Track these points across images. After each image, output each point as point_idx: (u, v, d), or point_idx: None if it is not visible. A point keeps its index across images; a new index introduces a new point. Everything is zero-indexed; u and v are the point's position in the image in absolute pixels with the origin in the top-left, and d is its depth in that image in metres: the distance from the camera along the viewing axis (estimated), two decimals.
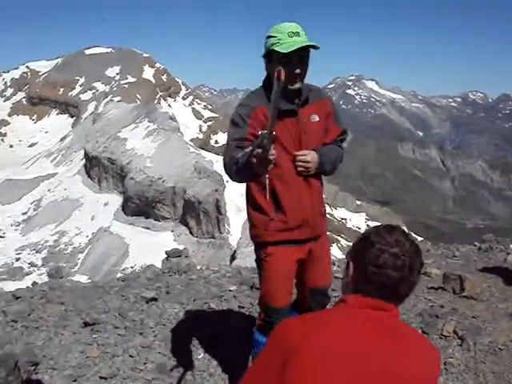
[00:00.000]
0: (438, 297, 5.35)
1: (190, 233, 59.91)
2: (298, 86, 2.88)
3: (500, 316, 4.76)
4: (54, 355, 3.98)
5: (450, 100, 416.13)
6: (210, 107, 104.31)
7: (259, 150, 2.27)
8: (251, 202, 3.06)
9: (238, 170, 2.68)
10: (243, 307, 5.14)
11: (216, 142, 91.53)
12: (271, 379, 1.72)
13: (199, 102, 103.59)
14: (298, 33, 2.77)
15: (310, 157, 2.91)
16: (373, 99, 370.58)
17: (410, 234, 1.82)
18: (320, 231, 3.15)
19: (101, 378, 3.65)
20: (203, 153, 71.10)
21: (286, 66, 2.67)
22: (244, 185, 3.04)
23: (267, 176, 2.73)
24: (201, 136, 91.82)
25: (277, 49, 2.74)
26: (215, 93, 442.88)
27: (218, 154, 75.28)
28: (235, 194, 61.54)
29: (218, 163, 67.37)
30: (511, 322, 4.60)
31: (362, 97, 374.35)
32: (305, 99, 2.96)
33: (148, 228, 61.12)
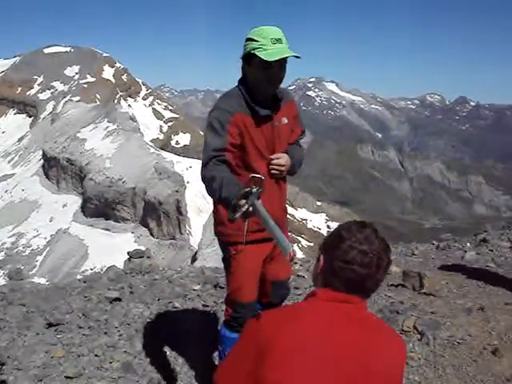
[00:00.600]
0: (398, 293, 5.47)
1: (151, 234, 59.61)
2: (274, 91, 2.93)
3: (458, 311, 4.90)
4: (18, 356, 3.94)
5: (409, 102, 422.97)
6: (170, 108, 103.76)
7: (246, 209, 2.29)
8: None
9: (218, 198, 2.62)
10: (207, 306, 5.17)
11: (177, 142, 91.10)
12: (245, 372, 1.77)
13: (160, 102, 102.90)
14: (281, 39, 2.75)
15: (283, 160, 2.97)
16: (333, 101, 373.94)
17: (379, 232, 1.88)
18: (284, 227, 3.23)
19: (66, 377, 3.63)
20: (164, 153, 70.76)
21: (266, 71, 2.76)
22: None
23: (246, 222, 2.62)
24: (161, 137, 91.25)
25: (259, 55, 2.71)
26: (176, 93, 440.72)
27: (178, 155, 75.05)
28: (196, 195, 61.45)
29: (178, 164, 67.16)
30: (469, 316, 4.74)
31: (323, 98, 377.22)
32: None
33: (108, 229, 60.58)
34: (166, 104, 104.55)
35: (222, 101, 2.94)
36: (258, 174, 2.82)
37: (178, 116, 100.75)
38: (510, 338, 4.29)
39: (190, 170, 68.17)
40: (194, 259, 47.23)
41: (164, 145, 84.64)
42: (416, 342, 4.26)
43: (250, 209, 2.28)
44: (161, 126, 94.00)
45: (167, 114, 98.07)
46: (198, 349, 4.13)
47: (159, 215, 58.27)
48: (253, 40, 2.76)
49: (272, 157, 2.96)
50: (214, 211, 3.16)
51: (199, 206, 60.95)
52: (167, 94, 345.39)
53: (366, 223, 1.92)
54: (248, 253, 2.98)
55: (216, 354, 3.92)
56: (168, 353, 4.09)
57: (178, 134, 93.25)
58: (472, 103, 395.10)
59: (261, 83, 2.84)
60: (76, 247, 56.75)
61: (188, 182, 62.42)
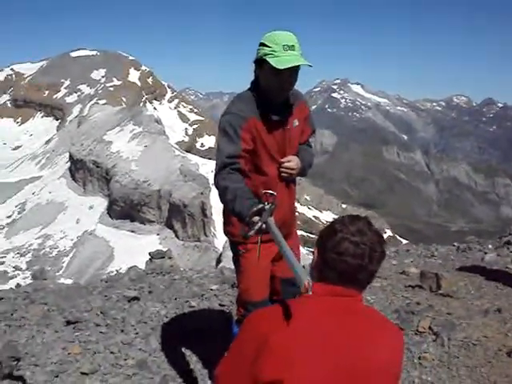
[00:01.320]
0: (414, 294, 5.45)
1: (176, 236, 59.80)
2: (286, 96, 2.95)
3: (475, 313, 4.87)
4: (36, 352, 4.03)
5: (435, 104, 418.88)
6: (195, 110, 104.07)
7: (259, 227, 2.32)
8: None
9: (231, 210, 2.64)
10: (224, 305, 5.21)
11: (202, 145, 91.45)
12: (245, 365, 1.80)
13: (185, 105, 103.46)
14: (294, 46, 2.73)
15: (294, 163, 3.00)
16: (358, 103, 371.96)
17: (373, 225, 1.92)
18: (293, 227, 3.28)
19: (82, 373, 3.70)
20: (189, 156, 71.09)
21: (276, 77, 2.76)
22: None
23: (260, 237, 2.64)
24: (186, 139, 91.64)
25: (270, 61, 2.71)
26: (201, 96, 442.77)
27: (203, 157, 75.26)
28: None
29: (203, 166, 67.32)
30: (485, 318, 4.71)
31: (348, 100, 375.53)
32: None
33: (133, 231, 60.96)
34: (191, 107, 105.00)
35: (234, 104, 2.93)
36: (268, 175, 2.87)
37: (203, 119, 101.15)
38: None
39: None
40: (218, 261, 47.28)
41: (189, 147, 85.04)
42: (431, 342, 4.25)
43: (264, 226, 2.30)
44: (186, 129, 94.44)
45: (192, 117, 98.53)
46: (212, 347, 4.16)
47: (184, 217, 58.43)
48: (265, 45, 2.76)
49: (283, 160, 2.99)
50: (223, 212, 3.20)
51: None
52: (192, 97, 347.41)
53: (360, 216, 1.94)
54: (256, 250, 3.01)
55: None
56: (182, 351, 4.13)
57: (203, 136, 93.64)
58: (499, 104, 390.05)
59: (272, 89, 2.85)
60: (102, 249, 57.21)
61: (213, 185, 62.48)
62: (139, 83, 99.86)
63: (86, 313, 4.89)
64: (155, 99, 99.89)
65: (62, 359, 3.92)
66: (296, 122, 3.07)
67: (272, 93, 2.87)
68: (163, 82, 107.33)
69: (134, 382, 3.69)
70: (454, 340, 4.25)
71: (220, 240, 56.44)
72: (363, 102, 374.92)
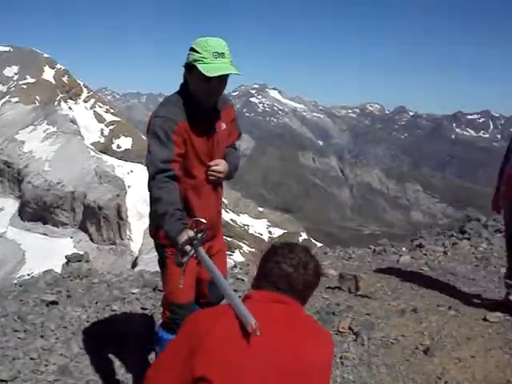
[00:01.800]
0: (334, 296, 5.59)
1: (91, 239, 58.61)
2: (213, 103, 2.97)
3: (392, 313, 5.05)
4: None
5: (350, 111, 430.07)
6: (112, 111, 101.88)
7: (189, 256, 2.45)
8: None
9: (160, 225, 2.69)
10: (146, 309, 5.16)
11: (118, 146, 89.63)
12: (178, 364, 1.84)
13: (101, 105, 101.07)
14: (224, 54, 2.75)
15: (222, 167, 3.03)
16: (276, 108, 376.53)
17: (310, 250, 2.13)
18: (219, 229, 3.31)
19: (1, 380, 3.57)
20: (104, 157, 69.73)
21: (205, 84, 2.78)
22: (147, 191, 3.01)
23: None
24: (102, 140, 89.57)
25: (199, 68, 2.73)
26: (118, 96, 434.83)
27: (119, 159, 74.04)
28: (137, 200, 60.69)
29: (119, 168, 66.27)
30: (402, 318, 4.89)
31: (265, 105, 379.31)
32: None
33: (46, 234, 59.23)
34: (107, 107, 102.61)
35: (164, 108, 2.92)
36: (196, 179, 2.88)
37: (119, 119, 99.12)
38: (441, 338, 4.45)
39: (132, 174, 67.33)
40: (134, 264, 46.70)
41: (105, 148, 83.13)
42: (351, 342, 4.37)
43: (195, 255, 2.41)
44: (102, 130, 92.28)
45: (109, 117, 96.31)
46: (135, 351, 4.12)
47: (99, 220, 57.33)
48: (195, 51, 2.77)
49: (211, 163, 3.01)
50: (150, 213, 3.17)
51: (140, 210, 60.19)
52: (109, 97, 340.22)
53: (299, 244, 2.14)
54: None
55: (153, 355, 3.93)
56: (105, 355, 4.06)
57: (119, 137, 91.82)
58: (411, 113, 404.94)
59: (200, 94, 2.86)
60: (13, 252, 55.19)
61: (129, 187, 61.67)
62: (54, 81, 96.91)
63: (2, 318, 4.72)
64: (70, 98, 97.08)
65: None
66: (224, 126, 3.10)
67: (200, 98, 2.88)
68: (79, 81, 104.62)
69: None
70: (374, 339, 4.40)
71: (136, 243, 55.79)
72: (280, 108, 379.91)
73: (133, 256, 53.38)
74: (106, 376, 3.79)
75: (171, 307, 3.12)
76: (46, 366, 3.86)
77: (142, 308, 5.18)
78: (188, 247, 2.40)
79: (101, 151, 75.84)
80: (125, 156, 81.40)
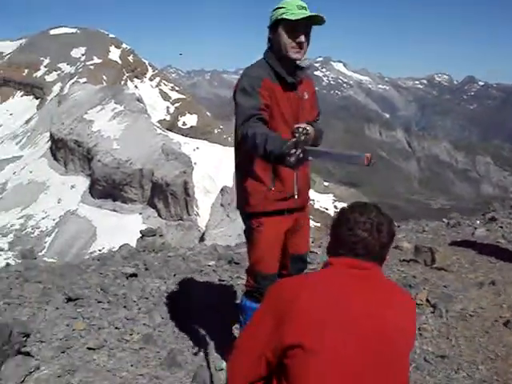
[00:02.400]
0: (410, 268, 5.55)
1: (159, 215, 59.72)
2: (299, 57, 3.01)
3: (470, 285, 4.98)
4: (40, 329, 4.04)
5: (416, 82, 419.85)
6: (177, 88, 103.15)
7: (297, 156, 2.34)
8: (249, 173, 3.08)
9: (262, 152, 2.61)
10: (223, 280, 5.27)
11: (184, 123, 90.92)
12: (266, 333, 1.89)
13: (166, 83, 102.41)
14: (306, 7, 2.90)
15: (309, 127, 3.01)
16: (340, 81, 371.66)
17: (379, 208, 2.10)
18: (307, 202, 3.31)
19: (88, 348, 3.73)
20: (171, 135, 70.66)
21: (292, 34, 2.90)
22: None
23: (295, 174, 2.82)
24: (168, 118, 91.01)
25: (286, 17, 2.86)
26: (182, 74, 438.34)
27: (185, 136, 74.97)
28: (203, 176, 61.49)
29: (185, 145, 67.11)
30: (480, 290, 4.82)
31: (330, 78, 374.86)
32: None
33: (116, 211, 60.76)
34: (172, 85, 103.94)
35: (249, 69, 3.03)
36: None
37: (184, 97, 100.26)
38: None
39: (198, 151, 68.15)
40: (201, 240, 47.37)
41: (171, 126, 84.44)
42: (429, 314, 4.35)
43: (301, 155, 2.34)
44: (167, 107, 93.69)
45: (174, 95, 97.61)
46: (216, 321, 4.22)
47: (167, 196, 58.30)
48: (280, 8, 2.93)
49: (299, 124, 2.99)
50: (237, 184, 3.22)
51: (206, 187, 60.99)
52: (174, 75, 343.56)
53: (367, 202, 2.14)
54: (271, 225, 3.05)
55: (235, 325, 4.03)
56: (187, 325, 4.18)
57: (184, 115, 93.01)
58: (480, 83, 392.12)
59: (287, 48, 2.95)
60: (84, 228, 56.95)
61: (195, 163, 62.39)
62: (120, 61, 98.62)
63: (85, 289, 4.90)
64: (136, 77, 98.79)
65: (67, 335, 3.94)
66: (306, 95, 3.17)
67: (287, 52, 2.96)
68: (144, 60, 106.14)
69: (141, 357, 3.73)
70: (452, 312, 4.36)
71: (203, 219, 56.51)
72: (345, 80, 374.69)
73: (200, 231, 54.11)
74: (188, 344, 3.91)
75: (256, 277, 3.18)
76: (131, 334, 4.01)
77: (220, 280, 5.28)
78: (293, 150, 2.35)
79: (167, 129, 77.03)
80: (190, 133, 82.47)
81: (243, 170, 3.14)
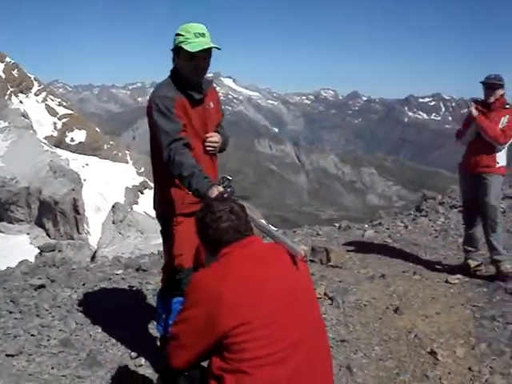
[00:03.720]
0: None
1: (47, 235, 57.57)
2: (200, 79, 3.33)
3: (362, 279, 5.51)
4: None
5: (304, 97, 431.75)
6: (64, 104, 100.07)
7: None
8: (167, 181, 3.34)
9: (187, 186, 2.96)
10: (133, 286, 5.41)
11: (72, 139, 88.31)
12: (200, 323, 2.13)
13: (53, 98, 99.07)
14: (204, 34, 3.17)
15: (217, 138, 3.41)
16: (230, 96, 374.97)
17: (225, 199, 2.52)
18: None
19: (7, 355, 3.77)
20: (58, 151, 68.50)
21: (192, 62, 3.18)
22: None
23: None
24: (55, 134, 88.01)
25: (184, 47, 3.12)
26: (70, 89, 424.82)
27: (73, 152, 73.00)
28: (93, 194, 60.07)
29: (74, 161, 65.29)
30: (372, 283, 5.35)
31: (220, 94, 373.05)
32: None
33: (1, 232, 58.14)
34: (59, 100, 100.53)
35: (160, 89, 3.29)
36: (195, 150, 3.18)
37: (72, 112, 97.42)
38: (408, 299, 4.92)
39: (87, 167, 66.47)
40: (93, 258, 46.26)
41: (58, 142, 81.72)
42: (328, 306, 4.78)
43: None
44: (55, 123, 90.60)
45: (61, 111, 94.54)
46: (129, 322, 4.39)
47: (55, 215, 56.39)
48: (180, 35, 3.18)
49: (207, 135, 3.36)
50: (156, 191, 3.53)
51: (97, 204, 59.64)
52: (61, 90, 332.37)
53: (209, 205, 2.46)
54: (187, 224, 3.31)
55: (150, 324, 4.24)
56: (102, 328, 4.31)
57: (73, 130, 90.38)
58: (364, 98, 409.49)
59: (188, 72, 3.24)
60: None
61: (85, 180, 60.85)
62: (4, 75, 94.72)
63: None
64: (21, 92, 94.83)
65: None
66: (211, 104, 3.49)
67: (189, 76, 3.26)
68: (30, 75, 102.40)
69: (61, 359, 3.82)
70: (348, 302, 4.84)
71: (94, 237, 55.21)
72: (235, 96, 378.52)
73: (91, 250, 52.81)
74: (106, 346, 4.05)
75: (175, 272, 3.42)
76: (48, 340, 4.09)
77: (130, 286, 5.43)
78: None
79: (54, 145, 74.55)
80: (79, 149, 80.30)
81: (162, 178, 3.41)
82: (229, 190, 2.80)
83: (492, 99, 5.50)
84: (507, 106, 5.53)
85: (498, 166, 5.51)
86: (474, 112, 5.52)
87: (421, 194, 12.33)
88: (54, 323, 4.41)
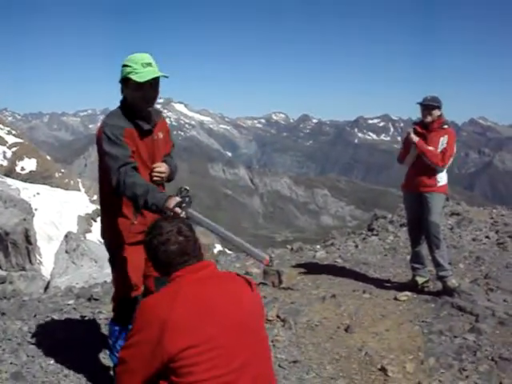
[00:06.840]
0: (259, 291, 6.01)
1: None
2: (149, 108, 3.37)
3: (314, 300, 5.60)
4: None
5: (255, 121, 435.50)
6: (14, 132, 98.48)
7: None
8: (114, 210, 3.38)
9: (143, 203, 2.96)
10: (85, 316, 5.36)
11: (22, 168, 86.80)
12: (148, 348, 2.17)
13: (2, 127, 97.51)
14: (150, 63, 3.22)
15: (164, 168, 3.44)
16: (182, 121, 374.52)
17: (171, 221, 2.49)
18: None
19: None
20: (9, 180, 67.23)
21: (140, 91, 3.22)
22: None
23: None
24: (5, 163, 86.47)
25: (132, 78, 3.17)
26: (19, 117, 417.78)
27: (24, 181, 71.66)
28: (45, 223, 58.99)
29: (25, 191, 64.10)
30: (323, 304, 5.45)
31: (172, 119, 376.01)
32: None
33: None
34: (8, 128, 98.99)
35: (109, 119, 3.31)
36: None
37: (22, 141, 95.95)
38: (358, 318, 5.03)
39: (38, 196, 65.31)
40: (46, 289, 45.23)
41: (8, 171, 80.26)
42: (280, 327, 4.85)
43: (185, 216, 2.74)
44: (4, 152, 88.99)
45: (11, 139, 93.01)
46: (82, 353, 4.34)
47: (7, 246, 54.88)
48: (127, 66, 3.22)
49: (154, 165, 3.40)
50: (103, 219, 3.53)
51: (49, 233, 58.55)
52: (10, 118, 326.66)
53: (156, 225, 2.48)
54: (135, 254, 3.34)
55: (102, 353, 4.21)
56: (55, 360, 4.25)
57: (23, 159, 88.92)
58: (314, 120, 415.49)
59: (137, 102, 3.28)
60: None
61: (36, 210, 59.72)
62: None
63: None
64: None
65: None
66: (160, 135, 3.53)
67: (138, 106, 3.30)
68: None
69: None
70: (300, 323, 4.93)
71: (46, 267, 54.06)
72: (187, 121, 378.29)
73: (45, 281, 51.60)
74: (58, 378, 4.00)
75: (123, 300, 3.45)
76: None
77: (81, 316, 5.37)
78: (178, 210, 2.74)
79: (4, 175, 73.10)
80: (30, 178, 78.84)
81: (110, 208, 3.44)
82: (187, 199, 2.80)
83: (429, 119, 5.72)
84: (445, 127, 5.75)
85: (439, 184, 5.72)
86: (414, 138, 5.74)
87: (373, 213, 12.63)
88: (4, 356, 4.32)
